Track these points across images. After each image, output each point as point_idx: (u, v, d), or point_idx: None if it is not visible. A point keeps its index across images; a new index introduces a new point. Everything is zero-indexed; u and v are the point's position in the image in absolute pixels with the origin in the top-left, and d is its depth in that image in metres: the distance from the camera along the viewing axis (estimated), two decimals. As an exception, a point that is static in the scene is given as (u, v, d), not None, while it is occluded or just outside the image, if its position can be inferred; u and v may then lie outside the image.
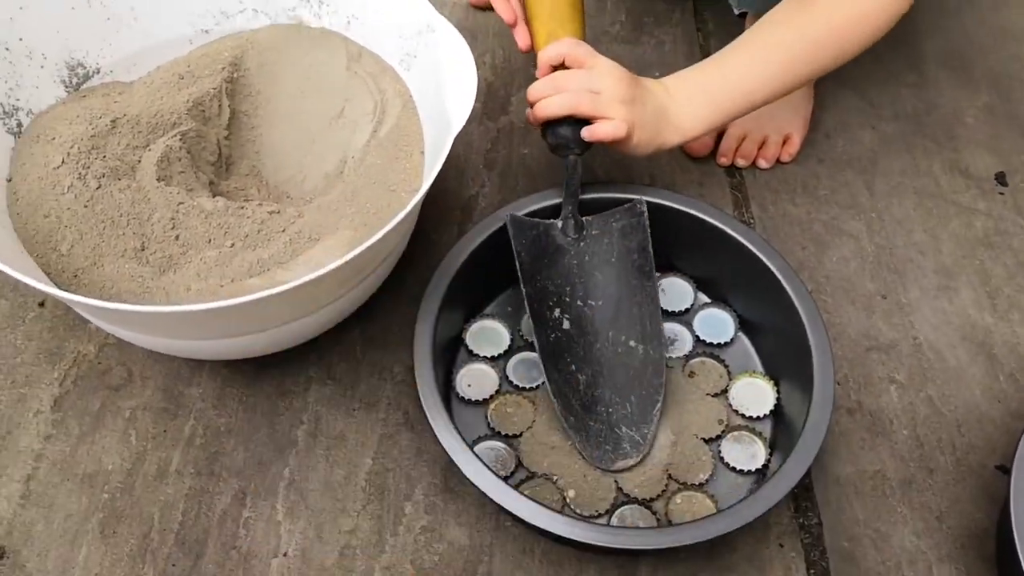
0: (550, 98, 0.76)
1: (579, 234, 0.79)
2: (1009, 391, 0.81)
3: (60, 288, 0.69)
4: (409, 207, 0.66)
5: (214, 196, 0.77)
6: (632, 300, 0.79)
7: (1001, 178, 0.95)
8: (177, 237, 0.72)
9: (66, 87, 0.80)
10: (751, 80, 0.79)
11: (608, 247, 0.79)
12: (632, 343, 0.78)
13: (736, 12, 0.94)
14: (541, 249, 0.79)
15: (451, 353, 0.80)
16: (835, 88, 1.00)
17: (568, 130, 0.76)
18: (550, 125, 0.77)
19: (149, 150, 0.76)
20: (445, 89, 0.74)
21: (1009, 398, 0.81)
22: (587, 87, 0.75)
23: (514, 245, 0.77)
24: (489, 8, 0.83)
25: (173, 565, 0.70)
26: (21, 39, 0.76)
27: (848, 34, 0.79)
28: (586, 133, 0.76)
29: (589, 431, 0.75)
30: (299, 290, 0.62)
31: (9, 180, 0.73)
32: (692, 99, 0.78)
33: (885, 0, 0.79)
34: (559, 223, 0.79)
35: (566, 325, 0.78)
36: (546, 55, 0.77)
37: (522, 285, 0.76)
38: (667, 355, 0.80)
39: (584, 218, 0.80)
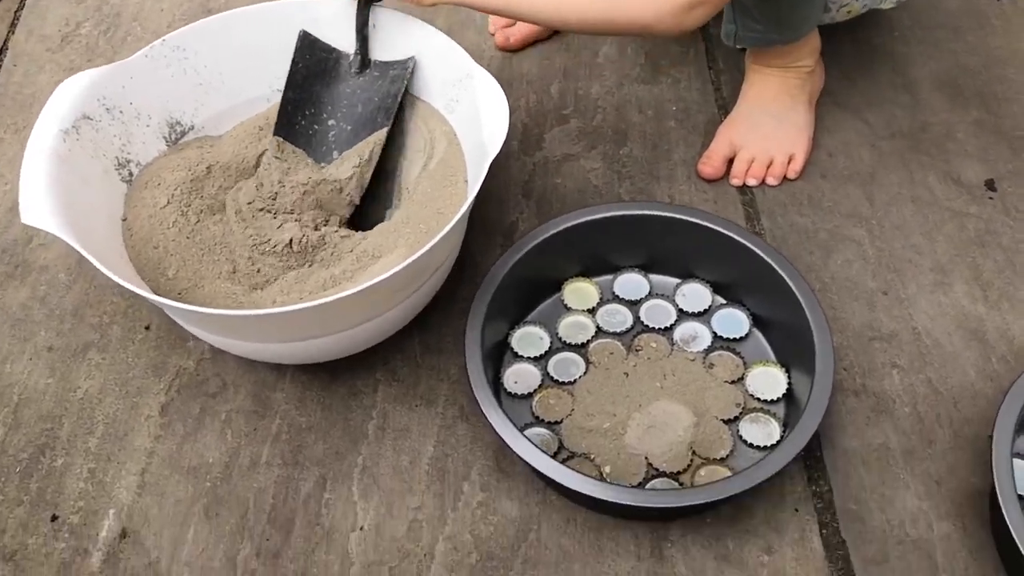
0: None
1: (362, 70, 0.97)
2: (1001, 371, 0.90)
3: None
4: (454, 221, 0.78)
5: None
6: (364, 130, 0.96)
7: (991, 184, 1.04)
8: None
9: (167, 142, 0.94)
10: None
11: (377, 88, 0.96)
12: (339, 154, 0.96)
13: (736, 48, 1.06)
14: (323, 70, 0.97)
15: (498, 356, 0.91)
16: (835, 111, 1.11)
17: None
18: None
19: (238, 190, 0.90)
20: (483, 126, 0.87)
21: (1001, 377, 0.89)
22: None
23: (295, 56, 0.96)
24: None
25: (267, 540, 0.82)
26: (131, 103, 0.91)
27: (616, 11, 0.85)
28: None
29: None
30: (363, 294, 0.74)
31: (124, 219, 0.87)
32: None
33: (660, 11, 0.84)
34: (351, 56, 0.97)
35: (307, 131, 0.96)
36: None
37: (285, 89, 0.96)
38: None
39: (373, 59, 0.97)
